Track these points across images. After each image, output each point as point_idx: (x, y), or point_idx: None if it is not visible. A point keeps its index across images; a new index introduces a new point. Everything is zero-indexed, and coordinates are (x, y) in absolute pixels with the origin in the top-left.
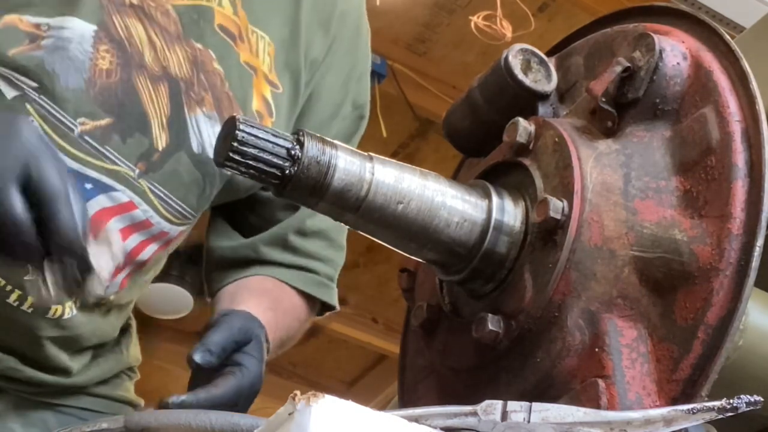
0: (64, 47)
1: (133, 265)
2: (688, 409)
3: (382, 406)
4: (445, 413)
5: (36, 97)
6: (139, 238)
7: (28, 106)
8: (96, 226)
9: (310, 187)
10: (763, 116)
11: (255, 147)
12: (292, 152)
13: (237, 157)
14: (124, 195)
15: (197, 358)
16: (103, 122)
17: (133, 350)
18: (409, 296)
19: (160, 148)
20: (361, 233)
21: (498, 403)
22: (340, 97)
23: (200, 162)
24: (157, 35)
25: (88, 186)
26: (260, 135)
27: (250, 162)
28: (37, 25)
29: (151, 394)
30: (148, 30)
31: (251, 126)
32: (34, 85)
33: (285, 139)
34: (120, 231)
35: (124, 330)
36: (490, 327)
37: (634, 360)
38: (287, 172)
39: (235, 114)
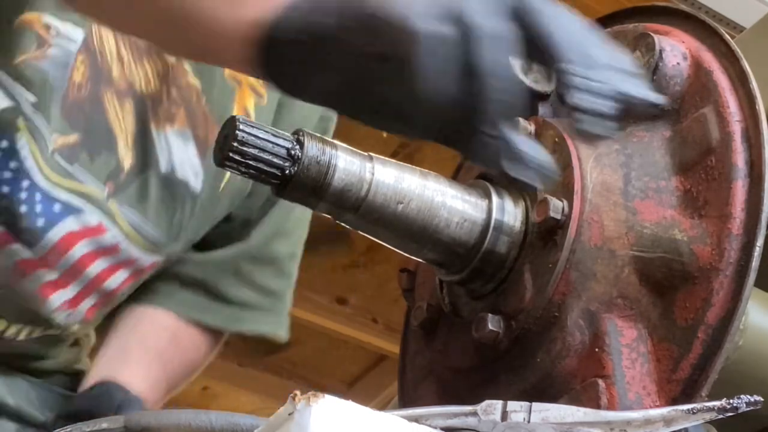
0: (68, 63)
1: (99, 292)
2: (688, 409)
3: (382, 406)
4: (445, 413)
5: (31, 113)
6: (105, 263)
7: (20, 122)
8: (62, 250)
9: (310, 187)
10: (763, 116)
11: (255, 147)
12: (292, 152)
13: (237, 157)
14: (93, 217)
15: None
16: (71, 139)
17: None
18: (409, 296)
19: (126, 168)
20: (361, 233)
21: (498, 403)
22: (309, 111)
23: (169, 182)
24: (126, 48)
25: (57, 208)
26: (260, 135)
27: (250, 162)
28: (47, 26)
29: None
30: (119, 42)
31: (251, 126)
32: (33, 99)
33: (285, 139)
34: (86, 255)
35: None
36: (490, 327)
37: (634, 360)
38: (287, 172)
39: (235, 114)
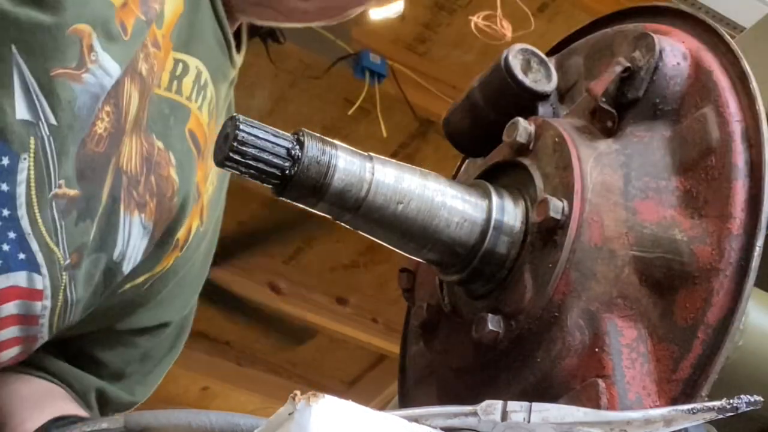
0: (99, 97)
1: None
2: (688, 409)
3: (382, 406)
4: (445, 413)
5: (46, 135)
6: (14, 333)
7: (32, 141)
8: None
9: (310, 187)
10: (763, 116)
11: (255, 147)
12: (292, 152)
13: (237, 157)
14: (41, 283)
15: None
16: (72, 192)
17: None
18: (409, 296)
19: (89, 242)
20: (361, 233)
21: (498, 403)
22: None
23: (112, 271)
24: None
25: (21, 257)
26: (260, 135)
27: (250, 162)
28: (90, 48)
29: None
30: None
31: (251, 126)
32: (54, 122)
33: (285, 139)
34: (8, 317)
35: None
36: (490, 327)
37: (634, 360)
38: (287, 172)
39: (235, 114)
